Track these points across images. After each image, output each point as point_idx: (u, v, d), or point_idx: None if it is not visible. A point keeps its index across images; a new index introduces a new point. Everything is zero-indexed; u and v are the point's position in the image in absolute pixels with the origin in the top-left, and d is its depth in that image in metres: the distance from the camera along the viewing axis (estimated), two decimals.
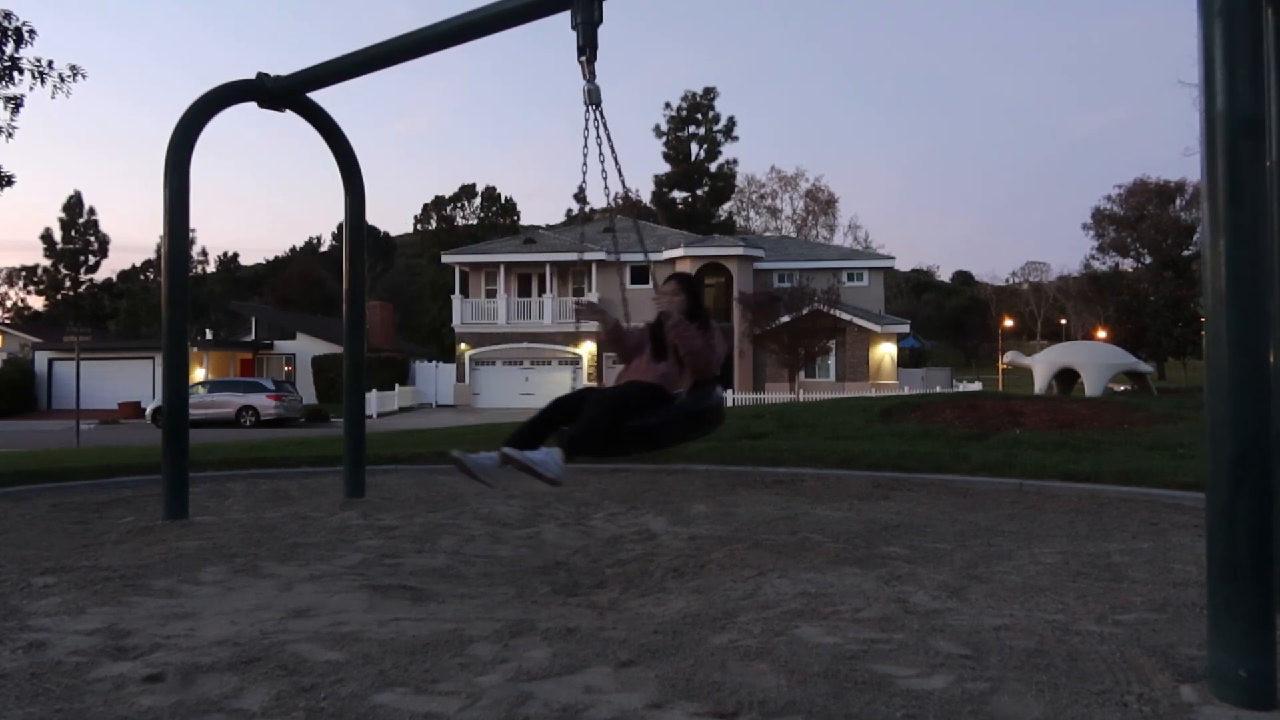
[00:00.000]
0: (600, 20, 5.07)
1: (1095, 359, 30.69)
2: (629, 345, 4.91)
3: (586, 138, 4.87)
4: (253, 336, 47.31)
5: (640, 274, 37.43)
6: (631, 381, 4.68)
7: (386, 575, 4.70)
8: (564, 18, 5.21)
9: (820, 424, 13.48)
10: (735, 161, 61.58)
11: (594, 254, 36.96)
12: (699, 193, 60.76)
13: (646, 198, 64.19)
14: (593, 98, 4.94)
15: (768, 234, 61.99)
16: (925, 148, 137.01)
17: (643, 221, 48.98)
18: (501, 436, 4.51)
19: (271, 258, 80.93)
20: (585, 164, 4.91)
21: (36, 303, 71.72)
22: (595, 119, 4.90)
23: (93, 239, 69.74)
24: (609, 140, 4.93)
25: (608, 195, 5.12)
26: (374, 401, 31.37)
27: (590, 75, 5.00)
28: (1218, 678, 2.86)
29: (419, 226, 71.16)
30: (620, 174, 4.97)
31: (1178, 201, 58.58)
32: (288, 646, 3.42)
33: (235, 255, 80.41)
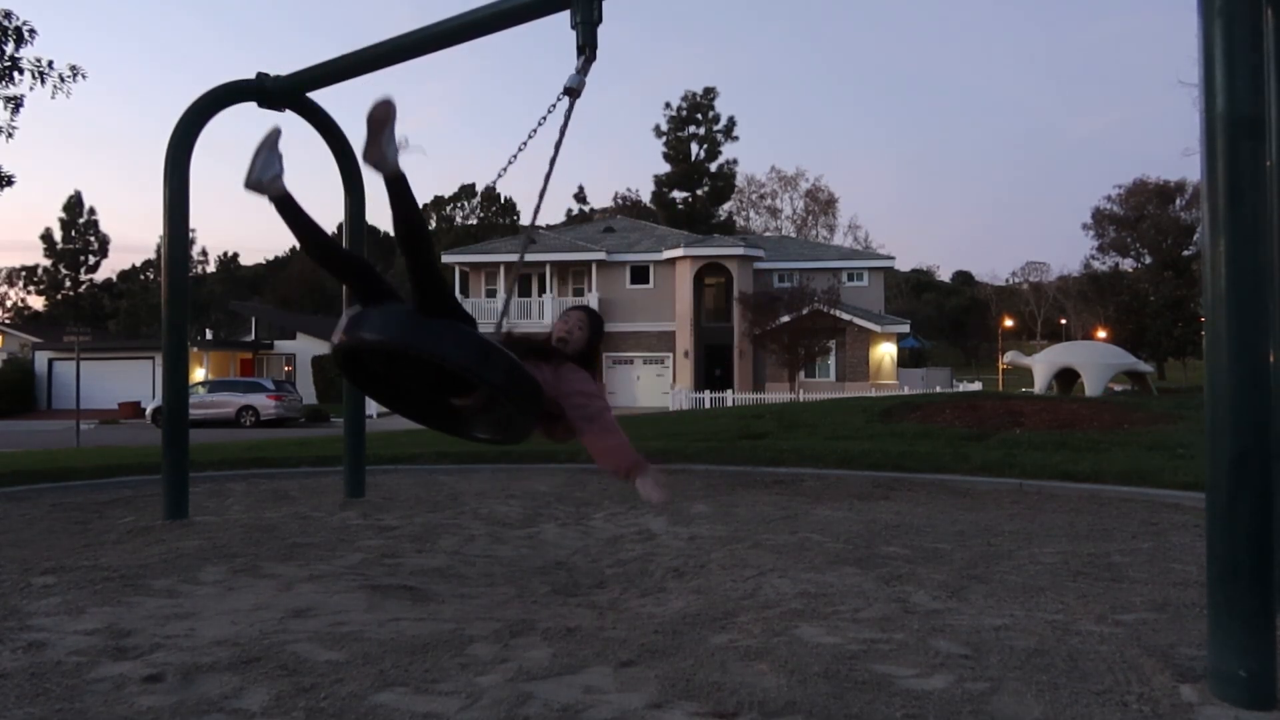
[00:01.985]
0: (600, 20, 5.06)
1: (1095, 359, 30.71)
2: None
3: (546, 121, 4.62)
4: (253, 336, 47.30)
5: (640, 274, 37.47)
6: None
7: (386, 575, 4.70)
8: (564, 17, 5.21)
9: (820, 424, 13.49)
10: (735, 161, 61.63)
11: (595, 254, 36.95)
12: (699, 193, 60.77)
13: (646, 198, 64.24)
14: (574, 92, 4.87)
15: (768, 234, 61.96)
16: (925, 148, 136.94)
17: (642, 221, 48.94)
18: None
19: (271, 258, 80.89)
20: (525, 145, 4.71)
21: (36, 303, 71.73)
22: (567, 111, 4.81)
23: (93, 239, 69.70)
24: (562, 138, 4.78)
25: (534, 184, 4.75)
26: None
27: (582, 69, 4.96)
28: (1218, 678, 2.86)
29: None
30: (548, 182, 4.70)
31: (1178, 201, 58.55)
32: (288, 646, 3.42)
33: (235, 255, 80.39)
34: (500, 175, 4.75)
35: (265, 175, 3.68)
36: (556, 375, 3.65)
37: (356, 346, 3.50)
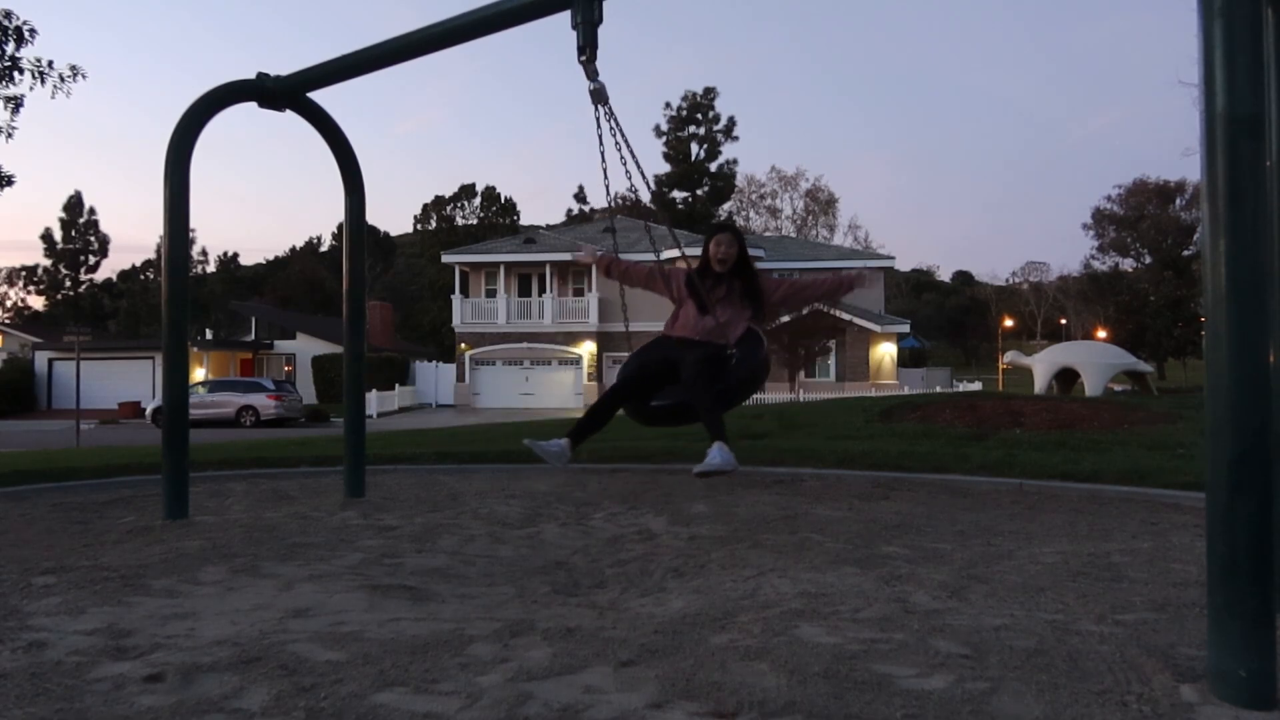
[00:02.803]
0: (600, 20, 5.06)
1: (1095, 359, 30.71)
2: (668, 287, 5.34)
3: (600, 135, 4.90)
4: (253, 336, 47.30)
5: None
6: (685, 341, 5.18)
7: (386, 575, 4.70)
8: (564, 18, 5.21)
9: (820, 424, 13.48)
10: (735, 161, 61.70)
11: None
12: (699, 193, 60.81)
13: (647, 197, 64.25)
14: (599, 96, 4.95)
15: (768, 234, 61.98)
16: (925, 148, 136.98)
17: (641, 220, 48.97)
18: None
19: (271, 258, 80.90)
20: (605, 162, 4.96)
21: (36, 303, 71.76)
22: (606, 116, 4.91)
23: (93, 239, 69.71)
24: (623, 135, 4.94)
25: (632, 192, 5.21)
26: (374, 401, 31.40)
27: (593, 74, 5.00)
28: (1218, 677, 2.86)
29: (419, 226, 71.19)
30: (640, 168, 5.00)
31: (1178, 201, 58.58)
32: (288, 646, 3.42)
33: (235, 255, 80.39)
34: (611, 230, 5.61)
35: (562, 462, 5.16)
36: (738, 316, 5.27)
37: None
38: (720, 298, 5.18)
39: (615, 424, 5.57)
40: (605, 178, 5.02)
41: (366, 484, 7.71)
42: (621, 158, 4.97)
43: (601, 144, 4.91)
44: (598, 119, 4.93)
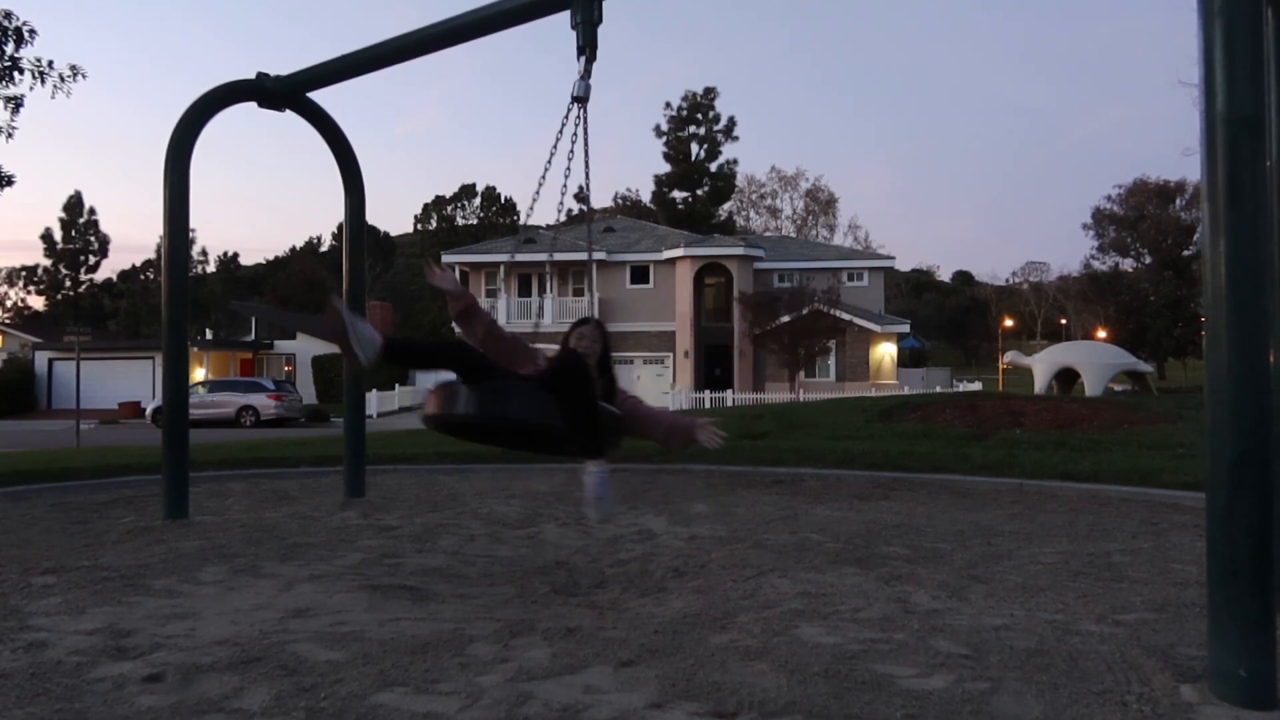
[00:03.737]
0: (600, 20, 5.07)
1: (1095, 359, 30.71)
2: (507, 349, 4.35)
3: (562, 131, 4.74)
4: (253, 336, 47.30)
5: (640, 274, 37.46)
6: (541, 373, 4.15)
7: (386, 575, 4.70)
8: (564, 17, 5.21)
9: (820, 424, 13.48)
10: (735, 161, 61.59)
11: (595, 254, 36.91)
12: (699, 193, 60.76)
13: (646, 197, 64.22)
14: (583, 98, 4.91)
15: (768, 234, 61.98)
16: (925, 148, 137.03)
17: (642, 221, 48.96)
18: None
19: (271, 258, 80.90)
20: (570, 160, 4.84)
21: (36, 303, 71.71)
22: (577, 118, 4.87)
23: (93, 239, 69.65)
24: (586, 141, 4.87)
25: (577, 194, 5.00)
26: (374, 401, 31.36)
27: (586, 74, 4.99)
28: (1218, 677, 2.86)
29: (419, 226, 71.19)
30: (588, 173, 4.85)
31: (1178, 201, 58.53)
32: (288, 646, 3.42)
33: (235, 255, 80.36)
34: (533, 205, 4.94)
35: (370, 353, 3.95)
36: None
37: (444, 419, 4.01)
38: None
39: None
40: (544, 172, 4.88)
41: (366, 484, 7.71)
42: (586, 163, 4.84)
43: (563, 140, 4.77)
44: (568, 114, 4.83)
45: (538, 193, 4.70)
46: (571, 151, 4.84)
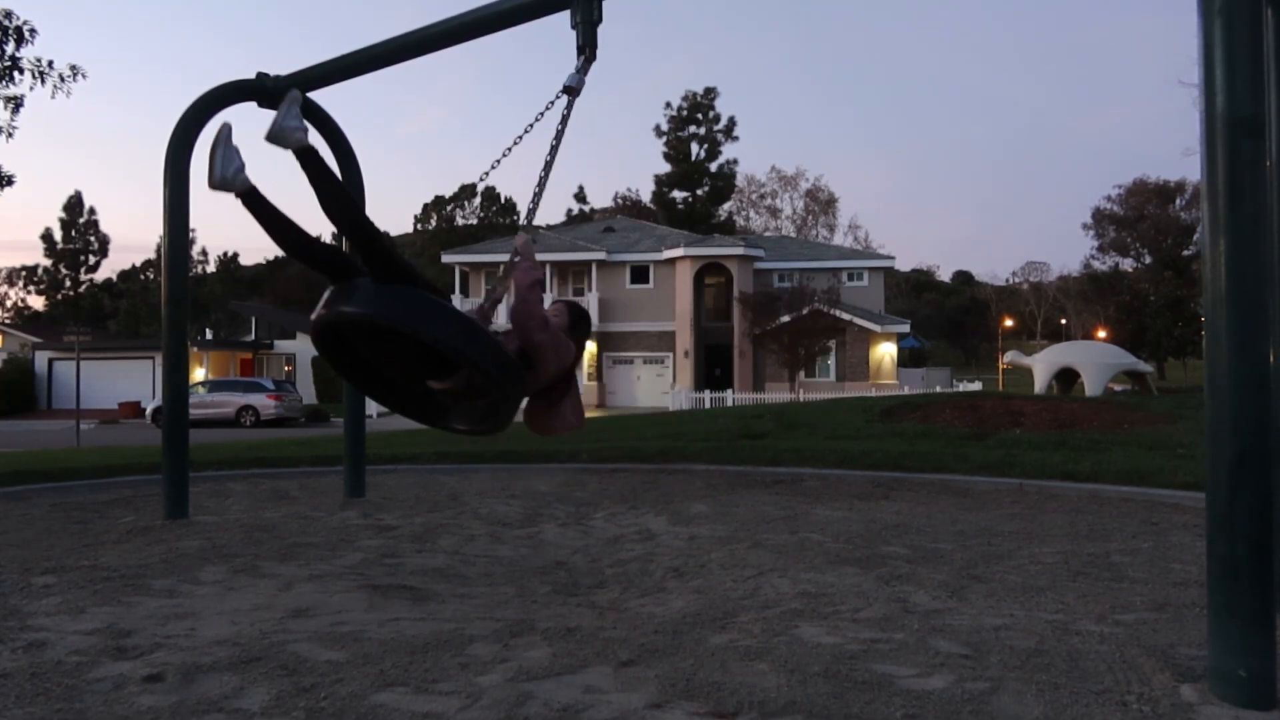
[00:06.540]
0: (600, 20, 5.06)
1: (1095, 359, 30.70)
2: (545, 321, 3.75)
3: (544, 114, 4.63)
4: (253, 336, 47.29)
5: (640, 274, 37.46)
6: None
7: (386, 575, 4.70)
8: (563, 18, 5.21)
9: (820, 424, 13.47)
10: (735, 161, 61.57)
11: (595, 254, 36.93)
12: (699, 192, 60.75)
13: (647, 197, 64.22)
14: (574, 92, 4.87)
15: (768, 234, 61.95)
16: (925, 147, 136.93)
17: (642, 221, 48.96)
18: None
19: (271, 258, 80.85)
20: (554, 150, 4.72)
21: (36, 303, 71.72)
22: (565, 109, 4.82)
23: (93, 239, 69.62)
24: (561, 135, 4.79)
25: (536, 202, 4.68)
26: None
27: (582, 69, 4.96)
28: (1218, 677, 2.86)
29: (419, 226, 71.18)
30: (554, 153, 4.71)
31: (1178, 201, 58.56)
32: (288, 646, 3.42)
33: (235, 255, 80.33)
34: (492, 168, 4.71)
35: (229, 171, 3.64)
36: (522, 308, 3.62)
37: (337, 321, 3.43)
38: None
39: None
40: (512, 145, 4.78)
41: (366, 484, 7.71)
42: (554, 146, 4.70)
43: (549, 130, 4.72)
44: (554, 102, 4.77)
45: (538, 194, 4.66)
46: (555, 143, 4.73)
